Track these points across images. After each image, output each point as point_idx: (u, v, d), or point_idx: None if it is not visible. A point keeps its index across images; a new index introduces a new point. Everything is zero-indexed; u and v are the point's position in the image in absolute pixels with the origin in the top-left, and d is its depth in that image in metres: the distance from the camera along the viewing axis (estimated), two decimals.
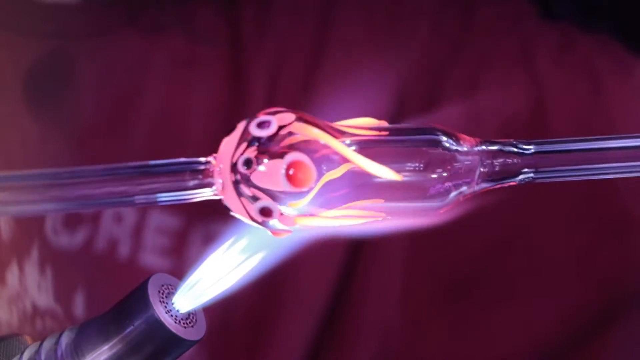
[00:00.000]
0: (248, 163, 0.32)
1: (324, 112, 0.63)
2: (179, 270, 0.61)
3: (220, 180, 0.32)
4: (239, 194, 0.32)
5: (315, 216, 0.32)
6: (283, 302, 0.62)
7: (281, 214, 0.32)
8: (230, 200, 0.32)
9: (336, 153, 0.32)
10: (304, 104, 0.63)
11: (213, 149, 0.63)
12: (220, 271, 0.34)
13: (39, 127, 0.64)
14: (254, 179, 0.32)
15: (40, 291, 0.64)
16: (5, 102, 0.63)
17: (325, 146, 0.32)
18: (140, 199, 0.32)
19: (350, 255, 0.62)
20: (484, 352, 0.64)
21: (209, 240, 0.62)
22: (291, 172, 0.31)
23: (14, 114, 0.64)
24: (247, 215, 0.32)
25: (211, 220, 0.62)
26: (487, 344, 0.64)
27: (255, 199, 0.32)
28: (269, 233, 0.33)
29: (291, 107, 0.63)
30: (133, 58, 0.64)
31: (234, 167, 0.32)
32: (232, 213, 0.33)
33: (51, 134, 0.64)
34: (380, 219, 0.33)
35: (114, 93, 0.64)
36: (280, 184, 0.31)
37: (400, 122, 0.58)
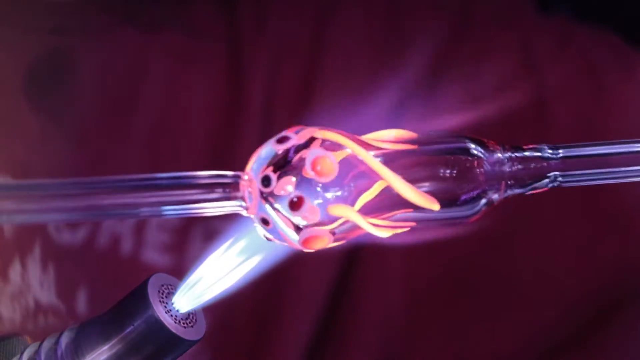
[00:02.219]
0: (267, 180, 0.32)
1: (323, 109, 0.63)
2: (180, 267, 0.62)
3: (250, 199, 0.32)
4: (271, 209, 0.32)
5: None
6: (285, 301, 0.62)
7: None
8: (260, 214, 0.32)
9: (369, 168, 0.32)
10: (303, 101, 0.63)
11: (213, 145, 0.63)
12: (220, 271, 0.34)
13: (39, 124, 0.64)
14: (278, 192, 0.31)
15: (43, 288, 0.64)
16: (5, 98, 0.63)
17: (360, 161, 0.32)
18: (145, 211, 0.32)
19: (351, 253, 0.62)
20: (485, 349, 0.64)
21: (210, 237, 0.62)
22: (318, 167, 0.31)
23: (15, 110, 0.64)
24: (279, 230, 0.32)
25: (212, 217, 0.62)
26: (488, 341, 0.64)
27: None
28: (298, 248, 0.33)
29: (291, 104, 0.64)
30: (132, 55, 0.64)
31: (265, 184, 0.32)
32: (259, 231, 0.33)
33: (52, 131, 0.64)
34: (409, 228, 0.33)
35: (113, 89, 0.64)
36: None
37: (402, 117, 0.58)
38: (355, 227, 0.32)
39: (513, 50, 0.64)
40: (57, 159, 0.63)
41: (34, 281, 0.64)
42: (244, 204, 0.32)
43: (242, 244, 0.34)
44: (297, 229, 0.32)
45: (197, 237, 0.62)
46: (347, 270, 0.63)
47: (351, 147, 0.32)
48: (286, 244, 0.33)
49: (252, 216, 0.33)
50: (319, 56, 0.63)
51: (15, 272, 0.64)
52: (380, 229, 0.32)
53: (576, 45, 0.65)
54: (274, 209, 0.32)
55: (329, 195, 0.31)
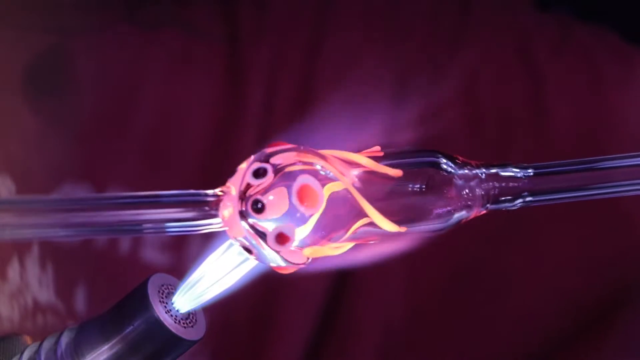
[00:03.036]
0: (256, 204, 0.32)
1: (322, 110, 0.63)
2: (179, 266, 0.62)
3: (227, 212, 0.32)
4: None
5: (319, 246, 0.32)
6: (283, 301, 0.62)
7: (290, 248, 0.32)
8: (238, 233, 0.32)
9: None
10: (302, 101, 0.63)
11: (211, 145, 0.63)
12: (220, 271, 0.34)
13: (37, 123, 0.64)
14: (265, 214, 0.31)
15: (41, 286, 0.64)
16: (3, 97, 0.63)
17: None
18: (148, 227, 0.32)
19: (349, 252, 0.62)
20: (485, 345, 0.64)
21: (209, 236, 0.62)
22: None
23: (13, 109, 0.64)
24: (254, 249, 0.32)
25: None
26: (488, 337, 0.64)
27: (262, 234, 0.32)
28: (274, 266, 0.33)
29: (289, 104, 0.64)
30: (131, 54, 0.64)
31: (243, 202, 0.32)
32: (241, 249, 0.33)
33: (50, 130, 0.64)
34: (376, 241, 0.33)
35: (112, 89, 0.64)
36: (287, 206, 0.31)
37: (400, 119, 0.58)
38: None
39: (512, 48, 0.64)
40: (55, 158, 0.63)
41: (33, 280, 0.64)
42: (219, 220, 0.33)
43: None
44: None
45: (195, 236, 0.62)
46: (347, 272, 0.63)
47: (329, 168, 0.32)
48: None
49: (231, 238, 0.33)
50: (318, 56, 0.63)
51: (14, 271, 0.64)
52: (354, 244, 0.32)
53: (575, 43, 0.65)
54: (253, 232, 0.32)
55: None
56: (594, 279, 0.63)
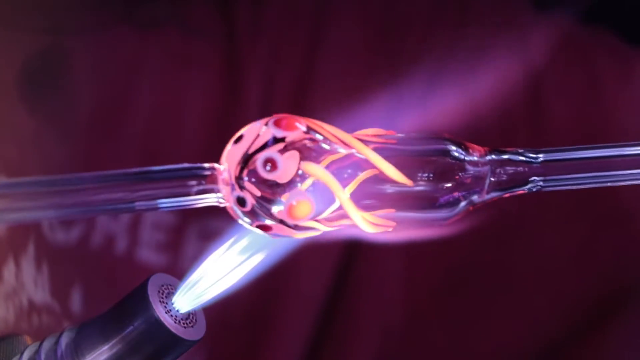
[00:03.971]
0: (241, 201, 0.32)
1: (319, 107, 0.63)
2: (175, 266, 0.62)
3: (226, 188, 0.32)
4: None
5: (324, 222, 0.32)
6: (282, 299, 0.63)
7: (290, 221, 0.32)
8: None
9: (351, 164, 0.32)
10: (300, 101, 0.63)
11: (209, 144, 0.63)
12: (220, 271, 0.34)
13: (34, 123, 0.64)
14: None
15: (37, 287, 0.64)
16: (0, 98, 0.63)
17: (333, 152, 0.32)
18: (140, 205, 0.32)
19: (348, 251, 0.62)
20: (484, 345, 0.64)
21: (205, 236, 0.62)
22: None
23: (9, 110, 0.64)
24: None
25: (206, 216, 0.62)
26: (487, 337, 0.64)
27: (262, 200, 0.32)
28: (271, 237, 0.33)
29: (287, 102, 0.64)
30: (128, 54, 0.64)
31: (238, 179, 0.32)
32: (240, 221, 0.33)
33: (46, 130, 0.64)
34: (390, 229, 0.33)
35: (108, 88, 0.64)
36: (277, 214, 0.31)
37: (398, 117, 0.58)
38: (341, 215, 0.32)
39: (511, 49, 0.64)
40: (51, 158, 0.63)
41: (28, 280, 0.64)
42: (219, 194, 0.33)
43: (242, 244, 0.34)
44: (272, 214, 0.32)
45: (192, 236, 0.62)
46: (346, 269, 0.63)
47: (340, 136, 0.32)
48: (272, 230, 0.33)
49: (228, 205, 0.33)
50: (315, 55, 0.63)
51: (9, 271, 0.64)
52: (361, 220, 0.32)
53: (574, 44, 0.65)
54: (251, 185, 0.32)
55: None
56: (593, 278, 0.63)
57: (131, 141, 0.63)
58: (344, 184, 0.32)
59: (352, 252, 0.62)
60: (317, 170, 0.31)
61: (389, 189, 0.32)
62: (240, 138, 0.32)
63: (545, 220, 0.63)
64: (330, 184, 0.31)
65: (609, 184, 0.34)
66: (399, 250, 0.62)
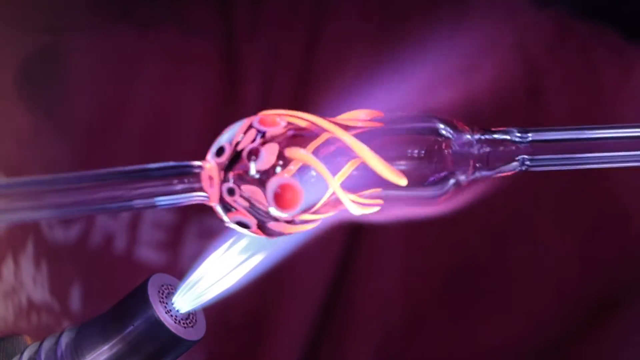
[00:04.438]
0: (231, 191, 0.32)
1: (319, 105, 0.63)
2: (175, 264, 0.62)
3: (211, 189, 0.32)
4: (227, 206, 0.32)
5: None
6: (281, 298, 0.63)
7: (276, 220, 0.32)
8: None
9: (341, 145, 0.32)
10: (299, 97, 0.63)
11: (208, 143, 0.63)
12: (220, 271, 0.34)
13: (31, 122, 0.64)
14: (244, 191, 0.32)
15: (36, 285, 0.63)
16: None
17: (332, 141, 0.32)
18: (138, 203, 0.32)
19: (347, 249, 0.62)
20: (484, 342, 0.64)
21: (204, 235, 0.62)
22: (278, 190, 0.31)
23: (7, 108, 0.63)
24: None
25: (206, 215, 0.62)
26: (487, 335, 0.64)
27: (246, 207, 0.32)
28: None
29: (286, 100, 0.64)
30: (126, 52, 0.64)
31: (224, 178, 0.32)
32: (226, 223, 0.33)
33: (44, 129, 0.64)
34: (378, 207, 0.33)
35: (107, 87, 0.64)
36: (266, 204, 0.31)
37: (397, 115, 0.58)
38: (333, 202, 0.32)
39: (509, 44, 0.64)
40: (49, 157, 0.63)
41: (27, 279, 0.64)
42: (205, 193, 0.33)
43: (242, 244, 0.34)
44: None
45: (191, 235, 0.62)
46: (344, 266, 0.63)
47: (321, 124, 0.32)
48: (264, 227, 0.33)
49: (213, 204, 0.33)
50: (314, 53, 0.63)
51: (8, 270, 0.64)
52: (350, 208, 0.32)
53: (573, 40, 0.65)
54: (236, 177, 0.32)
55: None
56: (593, 276, 0.63)
57: (130, 139, 0.63)
58: (334, 170, 0.32)
59: (351, 249, 0.62)
60: (301, 155, 0.31)
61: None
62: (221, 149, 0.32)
63: (544, 215, 0.63)
64: (316, 165, 0.31)
65: (597, 166, 0.34)
66: (399, 247, 0.62)
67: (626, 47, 0.66)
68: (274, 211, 0.31)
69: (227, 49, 0.63)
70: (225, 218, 0.33)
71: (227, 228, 0.35)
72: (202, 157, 0.65)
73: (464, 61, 0.63)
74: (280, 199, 0.31)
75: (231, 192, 0.32)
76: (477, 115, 0.60)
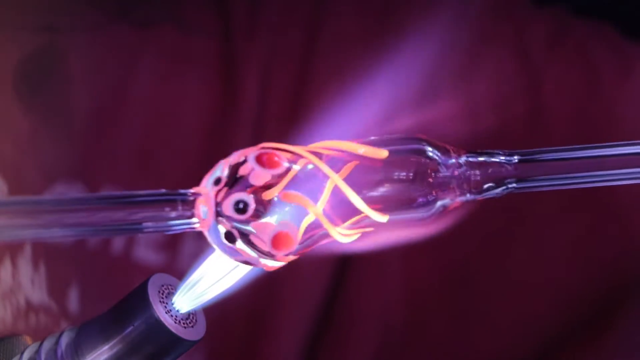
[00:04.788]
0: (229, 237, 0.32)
1: (317, 103, 0.63)
2: (173, 265, 0.62)
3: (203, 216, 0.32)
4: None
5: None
6: (281, 298, 0.63)
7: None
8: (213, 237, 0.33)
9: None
10: (297, 99, 0.63)
11: (206, 142, 0.63)
12: (220, 271, 0.34)
13: (30, 122, 0.64)
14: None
15: (34, 286, 0.63)
16: None
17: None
18: (126, 227, 0.32)
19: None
20: (484, 342, 0.64)
21: (202, 236, 0.62)
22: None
23: (5, 109, 0.63)
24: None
25: None
26: (488, 335, 0.64)
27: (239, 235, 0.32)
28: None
29: (285, 99, 0.63)
30: (123, 52, 0.64)
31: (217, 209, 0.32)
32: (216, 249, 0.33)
33: (42, 129, 0.64)
34: (369, 230, 0.33)
35: (105, 87, 0.64)
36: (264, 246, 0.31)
37: (396, 112, 0.58)
38: (321, 236, 0.33)
39: (509, 43, 0.64)
40: (47, 157, 0.63)
41: (25, 280, 0.64)
42: (196, 220, 0.33)
43: None
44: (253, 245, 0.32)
45: (189, 236, 0.62)
46: (344, 268, 0.63)
47: (304, 154, 0.32)
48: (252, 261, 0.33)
49: (205, 232, 0.33)
50: (312, 52, 0.63)
51: (6, 271, 0.64)
52: (338, 234, 0.32)
53: (573, 38, 0.65)
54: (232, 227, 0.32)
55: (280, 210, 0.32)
56: (592, 276, 0.63)
57: (128, 139, 0.63)
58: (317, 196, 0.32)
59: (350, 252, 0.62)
60: (300, 199, 0.31)
61: (366, 192, 0.32)
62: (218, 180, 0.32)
63: (543, 218, 0.63)
64: (311, 209, 0.31)
65: (584, 186, 0.34)
66: (398, 249, 0.62)
67: (625, 45, 0.66)
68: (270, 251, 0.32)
69: (225, 49, 0.63)
70: (216, 247, 0.33)
71: None
72: (200, 156, 0.65)
73: (462, 59, 0.63)
74: (276, 241, 0.32)
75: (230, 238, 0.32)
76: (476, 114, 0.61)
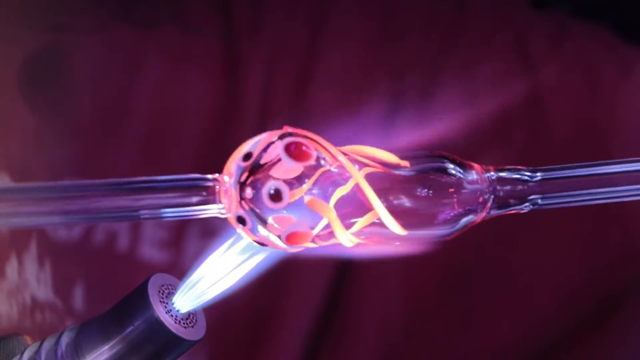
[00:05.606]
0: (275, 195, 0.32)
1: (319, 105, 0.63)
2: (177, 263, 0.62)
3: (226, 200, 0.32)
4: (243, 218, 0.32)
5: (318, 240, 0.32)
6: (282, 299, 0.63)
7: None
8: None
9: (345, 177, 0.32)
10: (299, 99, 0.63)
11: (209, 142, 0.63)
12: (220, 271, 0.34)
13: (34, 121, 0.64)
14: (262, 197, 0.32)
15: (40, 284, 0.64)
16: (1, 96, 0.63)
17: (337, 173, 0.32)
18: (145, 213, 0.32)
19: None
20: (484, 342, 0.64)
21: (206, 234, 0.62)
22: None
23: (10, 108, 0.64)
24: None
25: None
26: (487, 336, 0.64)
27: (260, 218, 0.32)
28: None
29: (287, 100, 0.64)
30: (127, 52, 0.64)
31: (241, 189, 0.32)
32: (239, 231, 0.33)
33: (48, 127, 0.64)
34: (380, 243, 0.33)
35: (109, 86, 0.64)
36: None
37: (398, 114, 0.58)
38: (331, 234, 0.33)
39: (508, 47, 0.64)
40: (53, 155, 0.63)
41: (31, 278, 0.64)
42: (221, 206, 0.33)
43: (242, 243, 0.34)
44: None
45: (193, 234, 0.62)
46: (346, 270, 0.63)
47: (334, 154, 0.32)
48: (269, 245, 0.33)
49: (229, 216, 0.33)
50: (315, 53, 0.63)
51: (12, 268, 0.64)
52: (351, 241, 0.32)
53: (572, 42, 0.65)
54: (252, 210, 0.32)
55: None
56: (594, 275, 0.63)
57: (132, 138, 0.63)
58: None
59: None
60: (324, 209, 0.31)
61: (390, 206, 0.32)
62: (249, 155, 0.32)
63: (544, 218, 0.63)
64: (333, 222, 0.31)
65: (606, 201, 0.34)
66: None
67: (624, 47, 0.66)
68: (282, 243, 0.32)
69: (228, 49, 0.63)
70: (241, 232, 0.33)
71: (228, 227, 0.35)
72: (204, 156, 0.65)
73: (463, 61, 0.63)
74: (290, 238, 0.32)
75: (242, 221, 0.32)
76: (477, 117, 0.60)
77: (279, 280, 0.62)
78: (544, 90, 0.63)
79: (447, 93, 0.61)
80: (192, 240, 0.62)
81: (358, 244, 0.33)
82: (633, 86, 0.64)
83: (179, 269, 0.37)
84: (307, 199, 0.32)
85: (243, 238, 0.34)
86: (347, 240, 0.32)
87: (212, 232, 0.62)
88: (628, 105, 0.63)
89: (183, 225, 0.62)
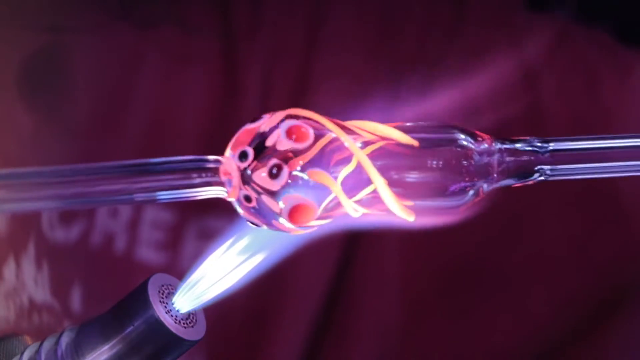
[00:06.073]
0: (247, 198, 0.32)
1: (318, 104, 0.63)
2: (175, 264, 0.62)
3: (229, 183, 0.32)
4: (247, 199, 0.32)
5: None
6: (281, 299, 0.63)
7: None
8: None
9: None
10: (298, 98, 0.63)
11: (208, 142, 0.63)
12: (220, 271, 0.34)
13: (33, 121, 0.64)
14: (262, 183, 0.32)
15: (37, 286, 0.64)
16: (0, 95, 0.63)
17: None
18: (139, 196, 0.32)
19: (346, 251, 0.62)
20: (482, 343, 0.64)
21: (204, 235, 0.62)
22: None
23: (8, 107, 0.64)
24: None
25: (205, 215, 0.62)
26: (486, 336, 0.64)
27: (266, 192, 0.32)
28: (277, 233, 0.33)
29: (286, 99, 0.64)
30: (126, 52, 0.64)
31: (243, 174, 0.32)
32: (242, 214, 0.33)
33: (45, 128, 0.64)
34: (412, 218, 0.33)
35: (107, 87, 0.64)
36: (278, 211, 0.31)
37: (396, 114, 0.58)
38: (338, 205, 0.32)
39: (506, 49, 0.64)
40: (51, 156, 0.63)
41: (29, 279, 0.64)
42: (224, 188, 0.33)
43: (242, 244, 0.34)
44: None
45: (191, 235, 0.62)
46: (344, 268, 0.63)
47: (335, 131, 0.32)
48: (274, 227, 0.33)
49: (232, 200, 0.33)
50: (313, 53, 0.63)
51: (9, 270, 0.64)
52: (358, 210, 0.32)
53: (570, 44, 0.65)
54: (255, 186, 0.32)
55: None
56: (592, 276, 0.63)
57: (130, 139, 0.63)
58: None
59: (350, 250, 0.62)
60: (326, 179, 0.31)
61: (400, 178, 0.32)
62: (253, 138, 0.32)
63: (543, 217, 0.63)
64: (338, 193, 0.31)
65: (618, 175, 0.34)
66: (396, 247, 0.62)
67: (623, 51, 0.66)
68: (285, 223, 0.32)
69: (227, 49, 0.63)
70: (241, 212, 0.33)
71: (227, 228, 0.35)
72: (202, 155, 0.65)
73: (462, 65, 0.63)
74: (294, 216, 0.32)
75: (248, 199, 0.32)
76: (474, 120, 0.60)
77: (278, 281, 0.62)
78: (543, 93, 0.63)
79: (446, 93, 0.62)
80: (189, 242, 0.62)
81: (364, 214, 0.33)
82: (632, 89, 0.64)
83: (177, 271, 0.37)
84: (308, 173, 0.32)
85: (243, 238, 0.34)
86: (352, 209, 0.32)
87: (209, 233, 0.62)
88: (627, 108, 0.63)
89: (180, 227, 0.62)
